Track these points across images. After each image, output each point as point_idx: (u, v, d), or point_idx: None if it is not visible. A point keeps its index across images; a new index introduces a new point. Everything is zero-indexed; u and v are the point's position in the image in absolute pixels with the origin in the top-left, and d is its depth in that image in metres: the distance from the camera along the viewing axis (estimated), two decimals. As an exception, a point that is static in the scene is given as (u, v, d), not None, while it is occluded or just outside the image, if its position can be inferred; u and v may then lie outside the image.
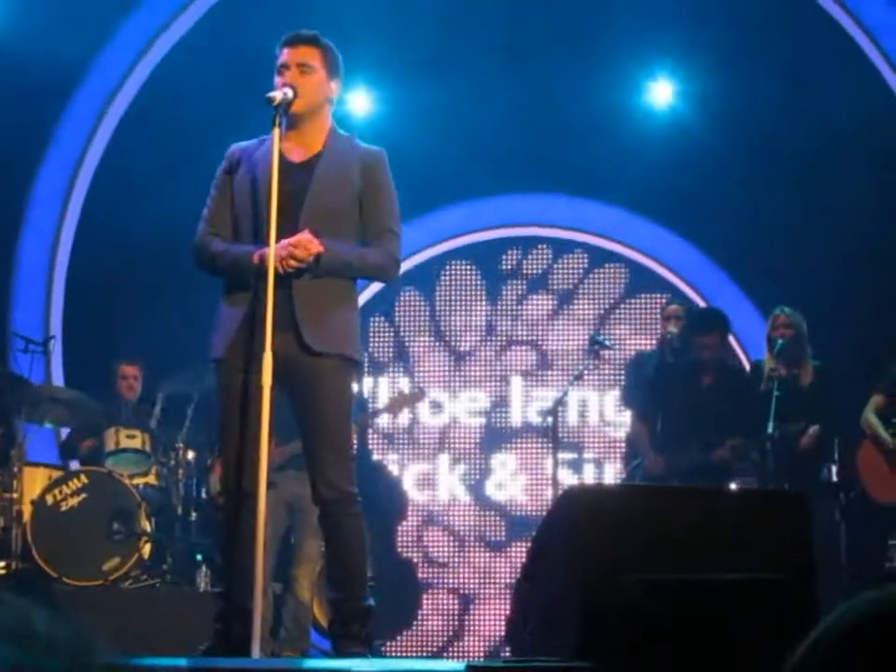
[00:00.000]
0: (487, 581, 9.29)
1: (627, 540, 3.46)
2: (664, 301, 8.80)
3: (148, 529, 7.50)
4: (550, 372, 9.47)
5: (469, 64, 9.04)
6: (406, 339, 9.60)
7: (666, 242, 9.44)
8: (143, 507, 7.45)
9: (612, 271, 9.54)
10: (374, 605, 4.59)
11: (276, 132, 4.49)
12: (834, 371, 7.52)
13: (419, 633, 9.10)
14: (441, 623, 9.21)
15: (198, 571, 7.50)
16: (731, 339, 8.40)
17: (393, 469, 9.40)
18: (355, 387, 4.84)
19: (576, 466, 9.32)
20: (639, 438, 7.63)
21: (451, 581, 9.32)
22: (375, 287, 9.04)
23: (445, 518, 9.42)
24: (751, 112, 8.88)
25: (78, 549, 7.30)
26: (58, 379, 9.27)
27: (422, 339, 9.60)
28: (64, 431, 8.75)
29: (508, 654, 4.71)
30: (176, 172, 8.47)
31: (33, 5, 9.08)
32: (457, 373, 9.55)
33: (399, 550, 9.18)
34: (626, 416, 8.62)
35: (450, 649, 9.12)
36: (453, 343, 9.58)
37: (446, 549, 9.39)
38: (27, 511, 7.42)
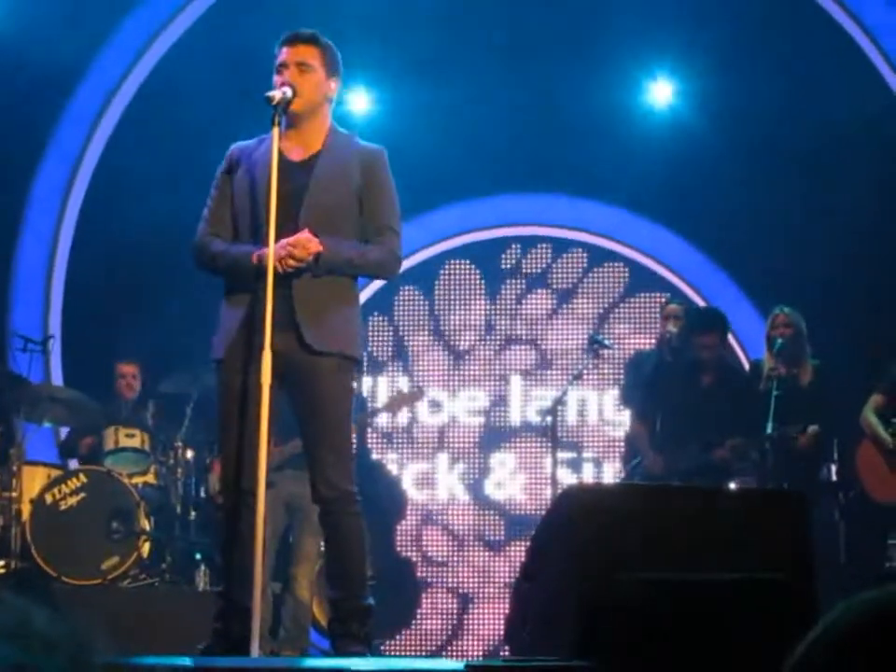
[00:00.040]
0: (486, 580, 9.29)
1: (626, 539, 3.47)
2: (663, 300, 8.80)
3: (147, 528, 7.50)
4: (549, 371, 9.47)
5: (468, 64, 9.04)
6: (405, 337, 9.60)
7: (666, 241, 9.44)
8: (142, 506, 7.46)
9: (612, 269, 9.54)
10: (374, 604, 4.59)
11: (276, 131, 4.49)
12: (834, 371, 7.52)
13: (418, 632, 9.10)
14: (439, 622, 9.21)
15: (197, 570, 7.50)
16: (730, 338, 8.40)
17: (392, 468, 9.39)
18: (354, 386, 4.83)
19: (575, 465, 9.32)
20: (638, 437, 7.63)
21: (450, 580, 9.32)
22: (374, 285, 9.05)
23: (444, 517, 9.42)
24: (751, 112, 8.88)
25: (77, 548, 7.30)
26: (57, 378, 9.27)
27: (421, 337, 9.59)
28: (64, 431, 8.76)
29: (507, 653, 4.71)
30: (175, 171, 8.48)
31: (31, 4, 9.08)
32: (456, 372, 9.55)
33: (398, 549, 9.18)
34: (625, 416, 8.62)
35: (448, 648, 9.11)
36: (452, 342, 9.58)
37: (445, 548, 9.39)
38: (26, 510, 7.42)
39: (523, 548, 8.39)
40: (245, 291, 4.52)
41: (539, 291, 9.57)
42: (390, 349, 9.59)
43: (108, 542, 7.34)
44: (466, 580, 9.31)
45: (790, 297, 7.70)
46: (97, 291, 9.12)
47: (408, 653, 8.92)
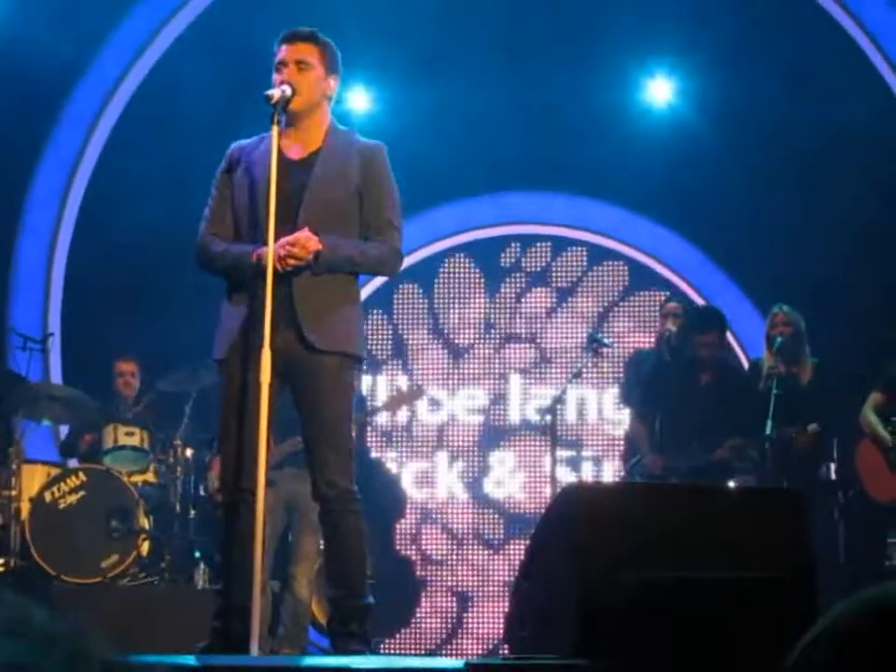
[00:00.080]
0: (485, 579, 9.28)
1: (626, 538, 3.46)
2: (663, 298, 8.80)
3: (147, 527, 7.50)
4: (548, 370, 9.47)
5: (468, 62, 9.04)
6: (404, 335, 9.60)
7: (666, 240, 9.44)
8: (141, 504, 7.46)
9: (612, 268, 9.54)
10: (373, 602, 4.59)
11: (275, 129, 4.49)
12: (833, 369, 7.52)
13: (417, 631, 9.09)
14: (438, 621, 9.21)
15: (196, 569, 7.50)
16: (729, 337, 8.40)
17: (391, 466, 9.39)
18: (354, 384, 4.82)
19: (574, 463, 9.32)
20: (638, 436, 7.64)
21: (449, 579, 9.31)
22: (374, 282, 9.05)
23: (443, 516, 9.42)
24: (751, 111, 8.88)
25: (77, 546, 7.31)
26: (56, 376, 9.27)
27: (420, 335, 9.59)
28: (63, 429, 8.76)
29: (506, 652, 4.71)
30: (174, 170, 8.48)
31: (30, 4, 9.08)
32: (456, 370, 9.55)
33: (398, 548, 9.18)
34: (625, 414, 8.63)
35: (447, 647, 9.11)
36: (451, 339, 9.58)
37: (444, 547, 9.38)
38: (25, 508, 7.43)
39: (522, 547, 8.38)
40: (245, 291, 4.52)
41: (539, 289, 9.57)
42: (389, 347, 9.59)
43: (107, 541, 7.34)
44: (465, 578, 9.31)
45: (789, 296, 7.70)
46: (96, 290, 9.12)
47: (407, 652, 8.92)
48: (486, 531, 9.38)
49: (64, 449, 8.51)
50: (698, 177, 8.96)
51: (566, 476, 8.97)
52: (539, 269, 9.60)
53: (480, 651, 8.96)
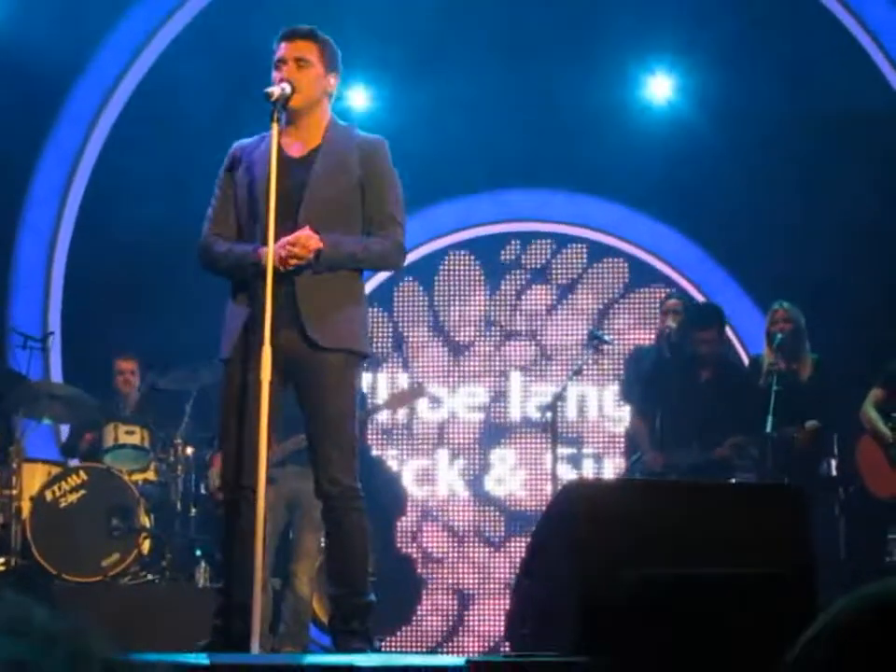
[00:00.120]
0: (486, 576, 9.29)
1: (626, 535, 3.46)
2: (663, 295, 8.80)
3: (147, 525, 7.50)
4: (549, 367, 9.47)
5: (468, 59, 9.03)
6: (405, 332, 9.60)
7: (666, 237, 9.44)
8: (142, 503, 7.46)
9: (612, 264, 9.54)
10: (375, 600, 4.59)
11: (275, 127, 4.49)
12: (833, 366, 7.52)
13: (417, 629, 9.10)
14: (439, 619, 9.21)
15: (197, 567, 7.51)
16: (729, 334, 8.40)
17: (392, 464, 9.40)
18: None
19: (575, 461, 9.32)
20: (639, 433, 7.64)
21: (449, 576, 9.32)
22: (374, 278, 9.05)
23: (444, 514, 9.42)
24: (752, 110, 8.87)
25: (78, 545, 7.31)
26: (56, 375, 9.27)
27: (420, 332, 9.59)
28: (63, 429, 8.76)
29: (507, 650, 4.71)
30: (174, 169, 8.49)
31: (30, 3, 9.07)
32: (456, 368, 9.55)
33: (398, 545, 9.18)
34: (625, 411, 8.63)
35: (448, 645, 9.11)
36: (451, 336, 9.58)
37: (445, 545, 9.39)
38: (26, 507, 7.43)
39: (523, 544, 8.40)
40: (248, 290, 4.52)
41: (540, 286, 9.57)
42: (389, 344, 9.59)
43: (108, 539, 7.34)
44: (466, 576, 9.31)
45: (789, 292, 7.70)
46: (96, 288, 9.12)
47: (407, 650, 8.92)
48: (487, 529, 9.39)
49: (66, 450, 8.52)
50: (698, 174, 8.96)
51: (566, 473, 8.96)
52: (539, 266, 9.60)
53: (481, 649, 8.97)
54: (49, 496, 7.41)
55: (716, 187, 8.98)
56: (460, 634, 9.17)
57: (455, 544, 9.38)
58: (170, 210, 8.19)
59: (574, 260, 9.58)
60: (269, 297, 4.34)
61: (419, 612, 9.08)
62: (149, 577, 7.45)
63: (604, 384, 9.38)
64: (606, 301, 9.50)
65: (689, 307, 7.98)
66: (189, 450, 7.83)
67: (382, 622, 6.63)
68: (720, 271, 9.34)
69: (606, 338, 8.09)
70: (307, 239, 4.42)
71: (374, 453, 9.29)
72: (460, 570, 9.33)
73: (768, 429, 6.90)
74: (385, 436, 9.51)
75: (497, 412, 9.51)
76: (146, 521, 7.49)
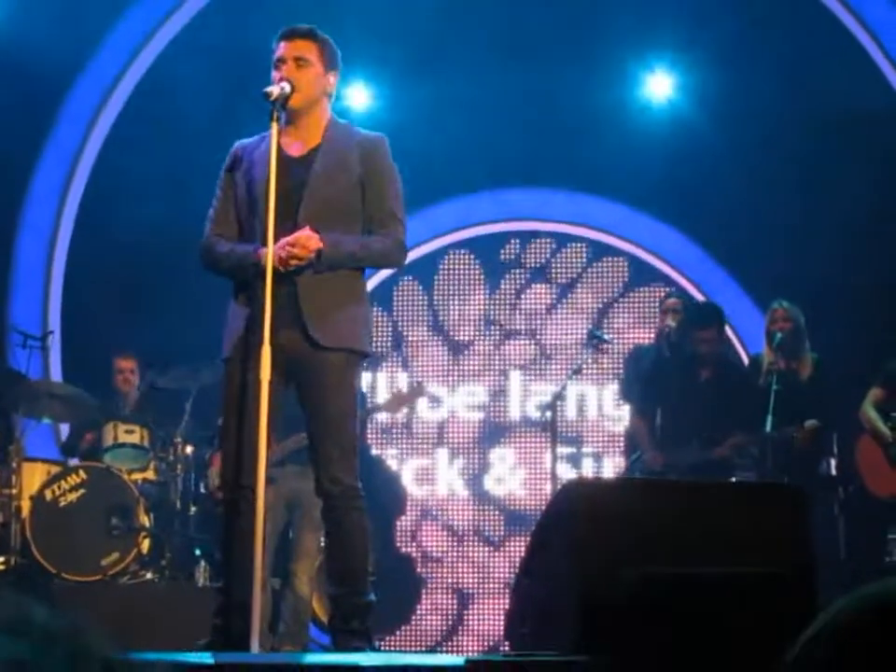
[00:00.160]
0: (485, 576, 9.29)
1: (626, 534, 3.46)
2: (663, 294, 8.80)
3: (147, 524, 7.50)
4: (548, 366, 9.47)
5: (468, 58, 9.03)
6: (404, 331, 9.60)
7: (666, 236, 9.44)
8: (141, 502, 7.46)
9: (612, 264, 9.54)
10: (375, 600, 4.59)
11: (274, 127, 4.48)
12: (833, 365, 7.52)
13: (416, 628, 9.09)
14: (438, 618, 9.21)
15: (197, 566, 7.51)
16: (728, 333, 8.40)
17: (391, 463, 9.40)
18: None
19: (575, 460, 9.32)
20: (638, 433, 7.64)
21: (449, 576, 9.32)
22: (374, 278, 9.05)
23: (443, 513, 9.42)
24: (751, 109, 8.88)
25: (77, 544, 7.30)
26: (56, 374, 9.27)
27: (420, 331, 9.59)
28: (63, 428, 8.76)
29: (507, 649, 4.71)
30: (173, 168, 8.48)
31: (30, 2, 9.07)
32: (456, 367, 9.55)
33: (398, 545, 9.18)
34: (625, 410, 8.63)
35: (447, 644, 9.11)
36: (451, 335, 9.58)
37: (444, 544, 9.39)
38: (26, 506, 7.43)
39: (522, 544, 8.40)
40: (250, 291, 4.52)
41: (539, 285, 9.57)
42: (389, 343, 9.59)
43: (108, 538, 7.34)
44: (465, 575, 9.31)
45: (789, 292, 7.70)
46: (96, 287, 9.11)
47: (407, 649, 8.92)
48: (487, 528, 9.38)
49: (66, 449, 8.51)
50: (698, 174, 8.97)
51: (566, 473, 8.96)
52: (539, 265, 9.60)
53: (480, 649, 8.97)
54: (48, 495, 7.41)
55: (716, 186, 8.98)
56: (459, 633, 9.17)
57: (455, 543, 9.38)
58: (169, 210, 8.19)
59: (574, 260, 9.58)
60: (268, 297, 4.34)
61: (418, 612, 9.08)
62: (149, 576, 7.45)
63: (603, 383, 9.38)
64: (605, 300, 9.50)
65: (688, 306, 7.98)
66: (189, 449, 7.83)
67: (381, 621, 6.63)
68: (719, 270, 9.34)
69: (605, 337, 8.10)
70: (307, 239, 4.42)
71: (374, 452, 9.29)
72: (460, 570, 9.33)
73: (768, 429, 6.90)
74: (384, 435, 9.51)
75: (497, 411, 9.51)
76: (145, 520, 7.49)
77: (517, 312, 9.57)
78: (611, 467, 9.23)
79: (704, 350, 7.37)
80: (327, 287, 4.50)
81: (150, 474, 7.93)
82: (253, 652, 4.27)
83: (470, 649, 8.93)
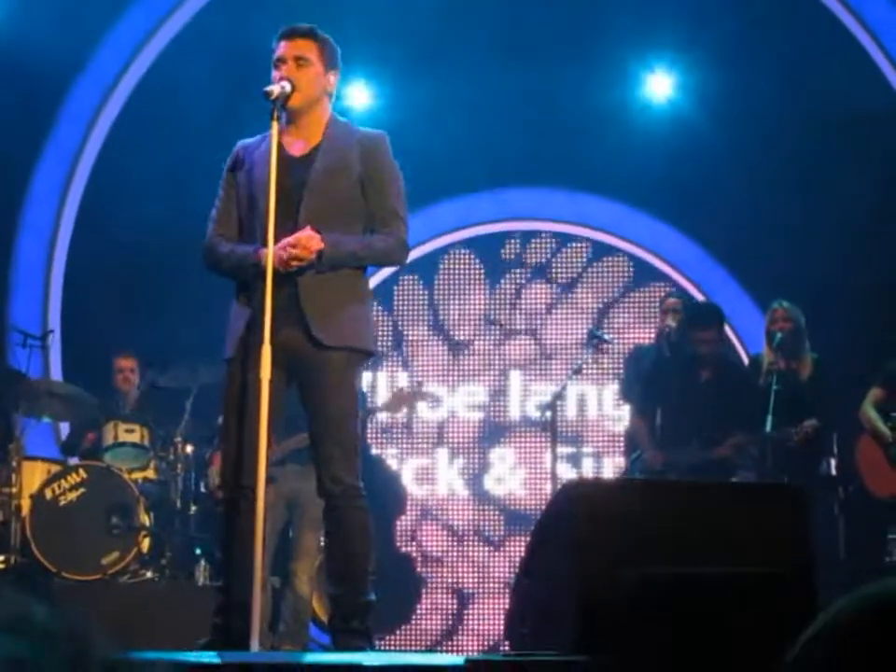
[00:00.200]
0: (485, 576, 9.28)
1: (626, 534, 3.46)
2: (663, 294, 8.80)
3: (147, 523, 7.50)
4: (549, 365, 9.47)
5: (468, 57, 9.03)
6: (405, 330, 9.60)
7: (666, 236, 9.44)
8: (141, 501, 7.46)
9: (613, 263, 9.54)
10: (375, 599, 4.59)
11: (275, 126, 4.49)
12: (833, 365, 7.52)
13: (416, 628, 9.09)
14: (438, 618, 9.21)
15: (197, 565, 7.50)
16: (728, 333, 8.39)
17: (391, 463, 9.39)
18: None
19: (575, 460, 9.32)
20: (638, 432, 7.63)
21: (449, 576, 9.31)
22: (375, 276, 9.05)
23: (443, 513, 9.42)
24: (751, 109, 8.87)
25: (77, 543, 7.30)
26: (56, 373, 9.27)
27: (420, 330, 9.59)
28: (63, 427, 8.76)
29: (507, 649, 4.71)
30: (174, 168, 8.49)
31: (30, 2, 9.07)
32: (455, 366, 9.54)
33: (398, 545, 9.17)
34: (625, 410, 8.63)
35: (447, 644, 9.11)
36: (451, 335, 9.58)
37: (444, 544, 9.38)
38: (26, 505, 7.43)
39: (522, 544, 8.39)
40: (251, 291, 4.52)
41: (540, 284, 9.57)
42: (389, 342, 9.59)
43: (108, 537, 7.34)
44: (465, 575, 9.31)
45: (789, 292, 7.70)
46: (96, 287, 9.12)
47: (406, 649, 8.92)
48: (486, 528, 9.38)
49: (66, 448, 8.51)
50: (698, 173, 8.97)
51: (566, 472, 8.96)
52: (539, 264, 9.60)
53: (480, 648, 8.96)
54: (48, 494, 7.41)
55: (716, 186, 8.98)
56: (459, 633, 9.17)
57: (455, 543, 9.38)
58: (170, 210, 8.19)
59: (574, 259, 9.58)
60: (269, 297, 4.34)
61: (418, 611, 9.07)
62: (149, 575, 7.45)
63: (604, 383, 9.38)
64: (606, 299, 9.50)
65: (689, 306, 7.98)
66: (189, 448, 7.83)
67: (381, 620, 6.63)
68: (720, 270, 9.34)
69: (605, 337, 8.10)
70: (308, 240, 4.41)
71: (374, 451, 9.29)
72: (459, 569, 9.32)
73: (768, 429, 6.90)
74: (384, 435, 9.50)
75: (497, 410, 9.50)
76: (145, 519, 7.49)
77: (517, 311, 9.57)
78: (611, 467, 9.23)
79: (704, 350, 7.36)
80: (328, 286, 4.50)
81: (150, 473, 7.93)
82: (253, 651, 4.27)
83: (470, 648, 8.93)
